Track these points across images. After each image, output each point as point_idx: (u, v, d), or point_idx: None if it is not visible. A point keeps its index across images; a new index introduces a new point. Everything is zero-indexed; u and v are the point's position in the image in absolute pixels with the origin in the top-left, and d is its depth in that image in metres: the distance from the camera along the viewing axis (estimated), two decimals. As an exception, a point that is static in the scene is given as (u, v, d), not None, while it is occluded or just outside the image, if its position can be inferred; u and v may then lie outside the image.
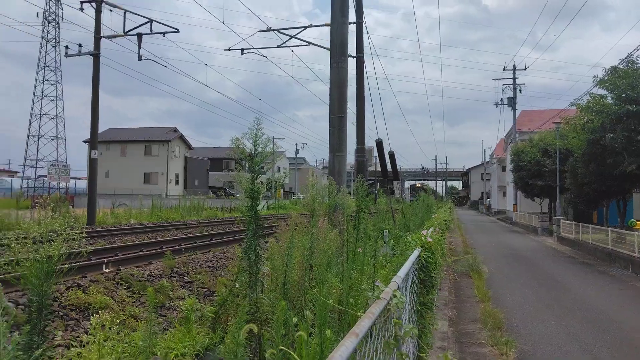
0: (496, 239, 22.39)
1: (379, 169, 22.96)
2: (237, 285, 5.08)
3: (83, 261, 7.09)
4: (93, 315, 5.47)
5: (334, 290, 4.17)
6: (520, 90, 38.83)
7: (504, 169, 48.47)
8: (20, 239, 2.73)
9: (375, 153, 21.50)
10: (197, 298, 6.10)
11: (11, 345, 1.90)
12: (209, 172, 59.26)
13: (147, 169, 49.96)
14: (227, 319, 4.73)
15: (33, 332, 2.30)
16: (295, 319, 3.66)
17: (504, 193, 50.68)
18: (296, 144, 70.96)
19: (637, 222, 16.84)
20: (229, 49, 19.78)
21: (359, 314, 3.29)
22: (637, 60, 15.95)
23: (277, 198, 48.46)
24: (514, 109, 38.97)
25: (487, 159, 67.59)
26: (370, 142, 26.24)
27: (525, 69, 39.50)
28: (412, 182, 65.21)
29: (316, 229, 4.94)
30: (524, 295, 9.10)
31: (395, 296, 2.59)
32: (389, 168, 18.66)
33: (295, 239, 4.75)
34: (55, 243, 2.50)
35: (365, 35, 15.36)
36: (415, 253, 4.33)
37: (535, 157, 27.80)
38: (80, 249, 2.91)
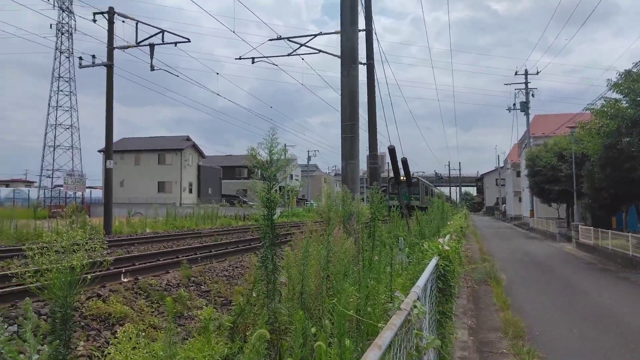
0: (513, 246, 22.11)
1: (391, 175, 22.80)
2: (254, 295, 5.09)
3: (101, 271, 7.17)
4: (113, 325, 5.53)
5: (351, 300, 4.15)
6: (532, 95, 38.57)
7: (518, 174, 47.96)
8: (43, 250, 2.78)
9: (388, 159, 21.41)
10: (214, 307, 6.12)
11: (41, 356, 1.93)
12: (222, 180, 59.65)
13: (161, 178, 50.48)
14: (246, 329, 4.74)
15: (58, 343, 2.33)
16: (313, 329, 3.66)
17: (520, 198, 50.09)
18: (308, 151, 71.11)
19: (658, 227, 16.50)
20: (240, 58, 19.95)
21: (379, 324, 3.27)
22: (653, 63, 15.73)
23: (290, 206, 48.54)
24: (527, 114, 38.64)
25: (501, 164, 66.95)
26: (382, 149, 26.21)
27: (537, 73, 39.22)
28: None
29: (332, 238, 4.94)
30: (544, 302, 8.96)
31: (415, 306, 2.57)
32: (402, 174, 18.55)
33: (311, 248, 4.75)
34: (78, 254, 2.54)
35: (374, 42, 15.40)
36: (433, 262, 4.30)
37: (551, 162, 27.47)
38: (103, 259, 2.95)
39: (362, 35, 14.66)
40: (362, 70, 14.79)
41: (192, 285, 7.88)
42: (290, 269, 4.60)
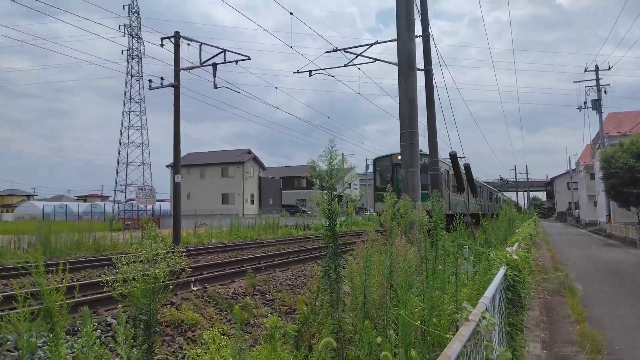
0: (589, 253, 20.74)
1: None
2: (317, 304, 5.17)
3: (173, 279, 7.58)
4: (186, 332, 5.82)
5: (416, 310, 4.11)
6: (605, 92, 36.19)
7: (592, 176, 45.00)
8: (129, 261, 3.00)
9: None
10: (279, 316, 6.26)
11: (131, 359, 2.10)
12: (282, 191, 60.82)
13: (224, 190, 52.36)
14: (310, 337, 4.82)
15: (146, 347, 2.51)
16: (379, 339, 3.66)
17: (595, 203, 46.92)
18: (366, 160, 70.94)
19: None
20: (298, 72, 20.35)
21: (448, 335, 3.23)
22: None
23: (349, 214, 48.52)
24: (600, 112, 36.26)
25: (573, 167, 63.19)
26: (442, 154, 25.55)
27: (609, 68, 36.75)
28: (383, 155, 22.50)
29: (394, 247, 4.92)
30: (625, 315, 8.33)
31: (484, 317, 2.53)
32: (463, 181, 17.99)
33: (373, 257, 4.76)
34: (161, 265, 2.74)
35: (432, 47, 15.17)
36: (501, 272, 4.17)
37: (628, 163, 25.56)
38: (182, 269, 3.15)
39: (418, 41, 14.51)
40: (420, 76, 14.63)
41: (257, 294, 8.11)
42: (353, 279, 4.63)
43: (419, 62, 14.64)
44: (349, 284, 4.70)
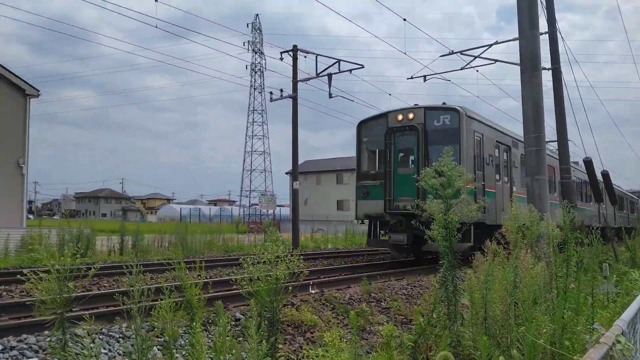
0: None
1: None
2: (434, 316, 5.06)
3: (294, 282, 7.98)
4: (305, 332, 6.11)
5: (544, 330, 3.83)
6: None
7: None
8: (254, 261, 3.28)
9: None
10: (394, 325, 6.25)
11: (260, 350, 2.32)
12: (397, 199, 60.19)
13: (339, 197, 53.49)
14: (428, 349, 4.74)
15: (274, 340, 2.73)
16: (501, 358, 3.49)
17: None
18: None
19: None
20: (412, 77, 20.13)
21: (575, 358, 2.98)
22: None
23: (468, 224, 46.30)
24: None
25: None
26: (575, 159, 23.19)
27: None
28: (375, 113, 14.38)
29: (518, 261, 4.64)
30: None
31: (619, 342, 2.30)
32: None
33: (495, 271, 4.53)
34: (281, 266, 2.95)
35: (560, 43, 13.96)
36: (647, 294, 3.69)
37: None
38: (300, 270, 3.35)
39: (544, 38, 13.46)
40: (546, 75, 13.52)
41: (372, 301, 8.16)
42: (473, 292, 4.46)
43: (545, 61, 13.57)
44: (468, 297, 4.54)
